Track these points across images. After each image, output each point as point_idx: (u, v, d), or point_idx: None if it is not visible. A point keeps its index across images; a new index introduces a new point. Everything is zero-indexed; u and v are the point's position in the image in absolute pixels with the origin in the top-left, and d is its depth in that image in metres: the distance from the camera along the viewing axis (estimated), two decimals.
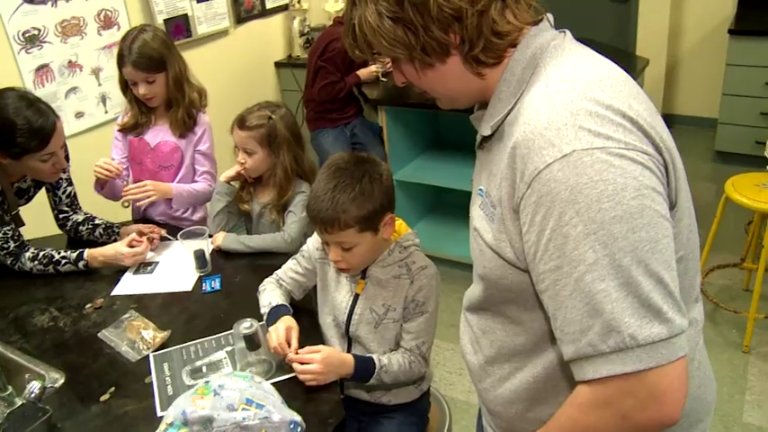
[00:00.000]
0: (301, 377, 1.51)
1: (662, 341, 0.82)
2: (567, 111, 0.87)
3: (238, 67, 4.13)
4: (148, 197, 2.24)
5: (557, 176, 0.84)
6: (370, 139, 3.81)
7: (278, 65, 4.48)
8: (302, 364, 1.50)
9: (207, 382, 1.06)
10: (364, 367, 1.58)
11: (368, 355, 1.62)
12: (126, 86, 2.31)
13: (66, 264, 2.09)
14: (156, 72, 2.22)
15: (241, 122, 2.11)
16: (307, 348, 1.54)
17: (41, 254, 2.09)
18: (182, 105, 2.32)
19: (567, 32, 1.02)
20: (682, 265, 0.97)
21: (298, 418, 1.04)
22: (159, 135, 2.37)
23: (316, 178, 1.59)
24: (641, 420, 0.86)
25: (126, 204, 2.45)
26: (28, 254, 2.09)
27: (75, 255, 2.09)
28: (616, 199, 0.82)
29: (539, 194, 0.86)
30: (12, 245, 2.06)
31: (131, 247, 2.10)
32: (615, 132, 0.85)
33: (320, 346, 1.55)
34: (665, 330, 0.82)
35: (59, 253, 2.10)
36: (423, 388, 1.80)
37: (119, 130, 2.41)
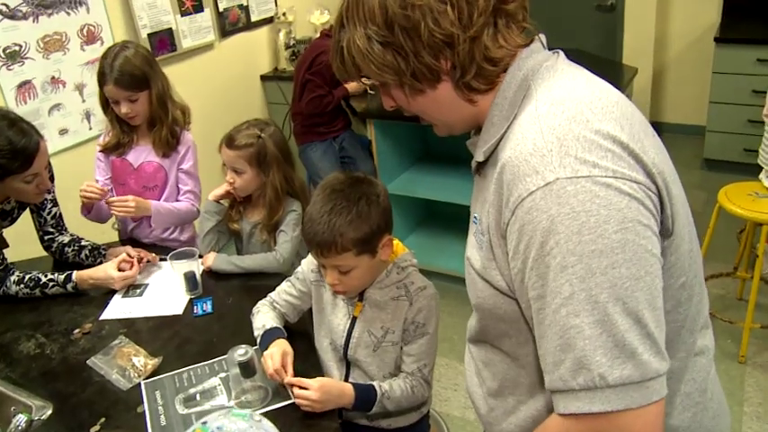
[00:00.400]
0: (297, 401, 1.46)
1: (633, 384, 0.78)
2: (554, 136, 0.84)
3: (224, 81, 4.08)
4: (127, 212, 2.18)
5: (539, 205, 0.82)
6: (359, 152, 3.78)
7: (264, 78, 4.44)
8: (301, 387, 1.46)
9: (204, 423, 1.01)
10: (365, 396, 1.53)
11: (368, 382, 1.57)
12: (107, 105, 2.24)
13: (53, 286, 2.03)
14: (138, 90, 2.16)
15: (230, 141, 2.06)
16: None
17: (27, 277, 2.03)
18: (165, 124, 2.25)
19: (561, 53, 1.00)
20: (685, 292, 0.94)
21: None
22: (142, 155, 2.31)
23: (311, 200, 1.54)
24: None
25: (116, 227, 2.40)
26: (13, 277, 2.02)
27: (63, 277, 2.03)
28: (597, 232, 0.79)
29: (521, 222, 0.84)
30: None
31: (121, 269, 2.05)
32: (603, 159, 0.81)
33: (318, 378, 1.50)
34: (638, 373, 0.78)
35: (46, 276, 2.04)
36: (423, 411, 1.76)
37: (100, 151, 2.34)
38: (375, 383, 1.56)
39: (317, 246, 1.48)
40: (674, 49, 4.78)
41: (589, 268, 0.79)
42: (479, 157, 0.99)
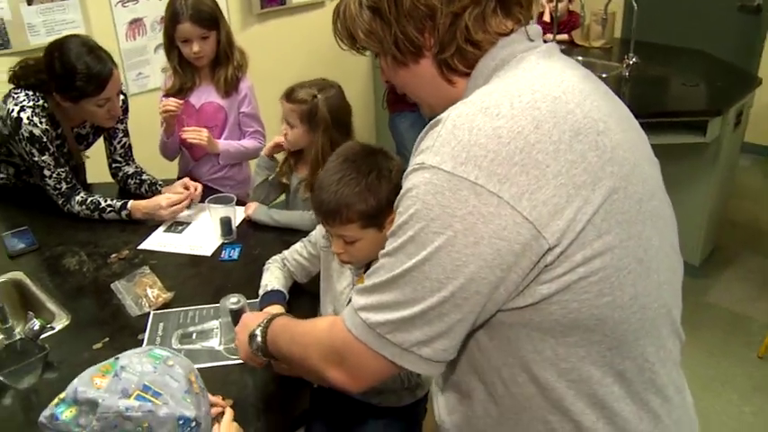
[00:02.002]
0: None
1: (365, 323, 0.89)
2: (452, 123, 0.83)
3: (330, 40, 4.09)
4: (200, 140, 2.32)
5: (409, 178, 0.86)
6: None
7: None
8: None
9: (116, 358, 1.05)
10: None
11: None
12: (171, 48, 2.35)
13: (110, 211, 2.17)
14: (210, 29, 2.28)
15: (289, 94, 2.11)
16: None
17: (89, 199, 2.18)
18: (231, 63, 2.37)
19: (550, 46, 0.95)
20: (614, 313, 0.85)
21: (191, 413, 1.00)
22: (203, 96, 2.42)
23: (325, 166, 1.54)
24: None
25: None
26: (78, 197, 2.18)
27: (119, 204, 2.17)
28: (420, 224, 0.82)
29: (403, 189, 0.87)
30: (64, 186, 2.16)
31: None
32: (480, 159, 0.79)
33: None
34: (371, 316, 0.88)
35: (105, 201, 2.18)
36: (417, 394, 1.73)
37: (164, 96, 2.45)
38: None
39: (323, 214, 1.48)
40: None
41: (403, 248, 0.85)
42: None
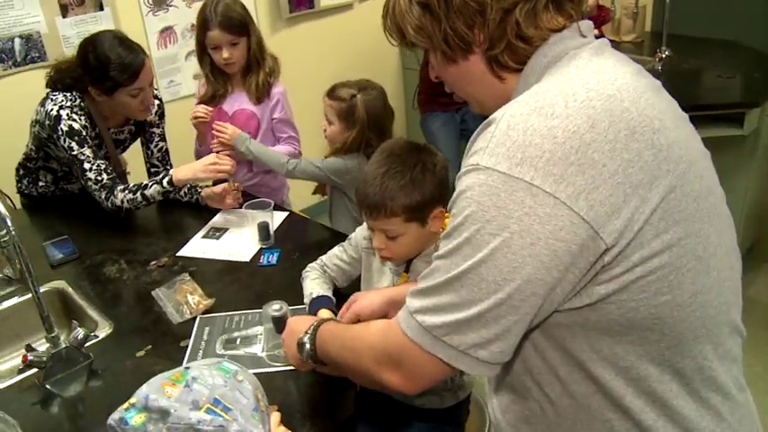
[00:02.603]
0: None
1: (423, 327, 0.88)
2: (506, 123, 0.82)
3: (360, 42, 4.12)
4: (221, 136, 2.28)
5: (462, 180, 0.85)
6: None
7: None
8: None
9: (187, 368, 1.04)
10: None
11: None
12: (203, 55, 2.37)
13: (153, 185, 2.14)
14: (240, 35, 2.29)
15: (330, 91, 2.15)
16: None
17: (131, 184, 2.18)
18: (262, 69, 2.38)
19: (601, 42, 0.94)
20: (674, 312, 0.84)
21: (259, 431, 0.99)
22: (236, 103, 2.44)
23: (370, 161, 1.54)
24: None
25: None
26: (120, 186, 2.17)
27: (160, 176, 2.16)
28: (476, 225, 0.81)
29: (457, 191, 0.86)
30: (105, 178, 2.13)
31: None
32: (535, 159, 0.78)
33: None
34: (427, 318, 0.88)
35: (148, 179, 2.20)
36: (459, 396, 1.71)
37: (198, 103, 2.46)
38: None
39: (368, 207, 1.48)
40: None
41: (459, 250, 0.84)
42: None
